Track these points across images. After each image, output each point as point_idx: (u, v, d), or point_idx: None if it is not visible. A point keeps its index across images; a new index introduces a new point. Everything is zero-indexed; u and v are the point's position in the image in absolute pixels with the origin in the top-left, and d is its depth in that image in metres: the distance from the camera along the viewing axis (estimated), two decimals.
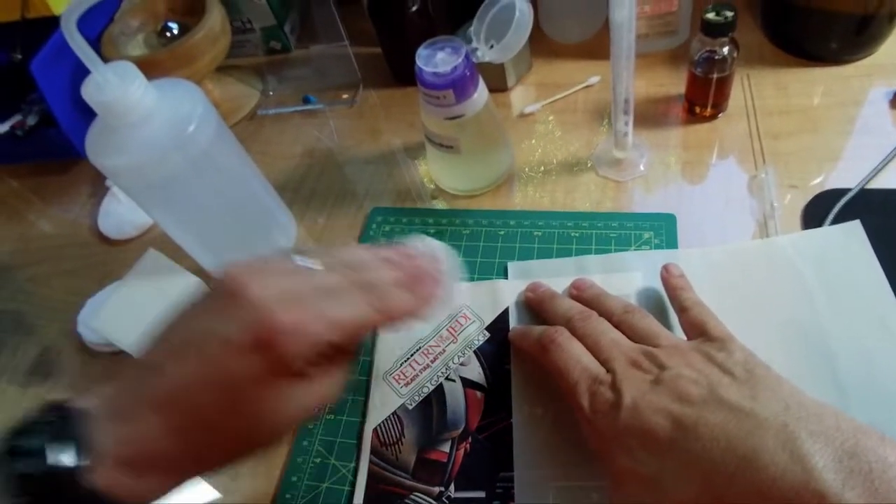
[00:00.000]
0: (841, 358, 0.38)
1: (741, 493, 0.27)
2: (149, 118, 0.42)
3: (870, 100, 0.53)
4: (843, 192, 0.47)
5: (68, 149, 0.64)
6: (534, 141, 0.58)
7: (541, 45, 0.66)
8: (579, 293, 0.43)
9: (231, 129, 0.50)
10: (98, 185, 0.65)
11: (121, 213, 0.60)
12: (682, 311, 0.38)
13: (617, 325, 0.38)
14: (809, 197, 0.48)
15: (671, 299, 0.40)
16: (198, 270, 0.52)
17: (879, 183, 0.47)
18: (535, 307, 0.44)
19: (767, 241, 0.46)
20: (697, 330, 0.36)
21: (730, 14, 0.48)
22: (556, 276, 0.46)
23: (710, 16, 0.49)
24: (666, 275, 0.41)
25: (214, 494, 0.43)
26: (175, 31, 0.64)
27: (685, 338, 0.38)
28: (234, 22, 0.70)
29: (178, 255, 0.51)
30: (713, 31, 0.49)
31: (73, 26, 0.36)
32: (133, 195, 0.46)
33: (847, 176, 0.48)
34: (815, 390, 0.30)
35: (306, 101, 0.67)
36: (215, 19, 0.62)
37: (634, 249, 0.48)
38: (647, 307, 0.43)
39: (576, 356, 0.36)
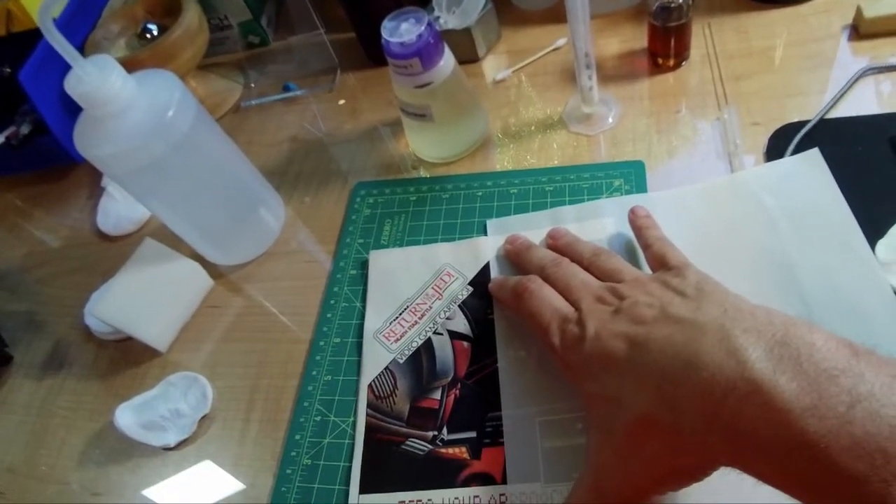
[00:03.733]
0: (806, 281, 0.40)
1: (688, 395, 0.29)
2: (129, 107, 0.44)
3: (827, 35, 0.55)
4: (802, 124, 0.48)
5: (62, 154, 0.66)
6: (507, 106, 0.60)
7: (509, 14, 0.68)
8: (554, 241, 0.45)
9: (218, 123, 0.52)
10: (94, 186, 0.67)
11: (118, 211, 0.63)
12: (645, 248, 0.41)
13: (587, 268, 0.40)
14: (771, 132, 0.49)
15: (638, 238, 0.42)
16: (195, 257, 0.55)
17: (838, 113, 0.49)
18: (513, 259, 0.46)
19: (731, 177, 0.47)
20: (659, 262, 0.38)
21: None
22: (534, 228, 0.48)
23: None
24: (632, 216, 0.43)
25: (223, 459, 0.45)
26: (155, 33, 0.67)
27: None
28: (212, 20, 0.73)
29: (175, 243, 0.54)
30: None
31: (49, 23, 0.39)
32: (124, 184, 0.48)
33: (807, 109, 0.50)
34: (782, 308, 0.32)
35: (286, 88, 0.70)
36: (192, 17, 0.64)
37: (606, 197, 0.50)
38: (618, 250, 0.45)
39: (547, 300, 0.38)
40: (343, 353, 0.47)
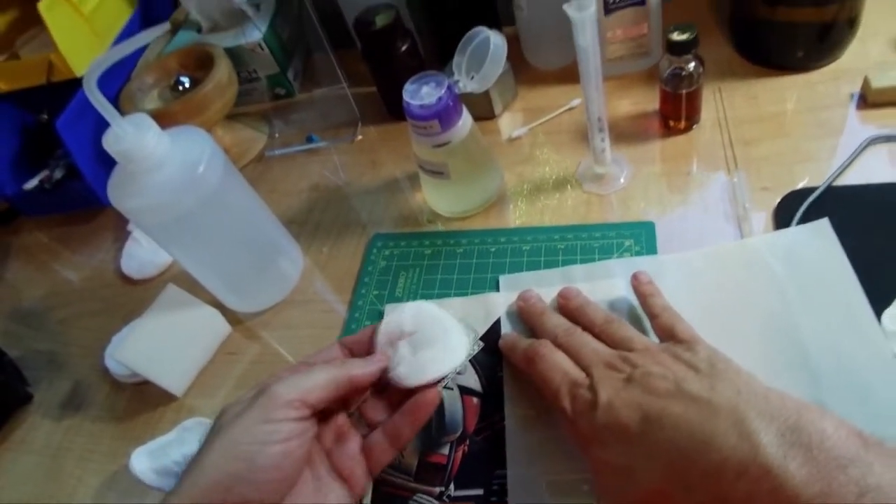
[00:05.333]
0: (812, 350, 0.41)
1: (700, 474, 0.30)
2: (163, 163, 0.46)
3: (836, 103, 0.56)
4: (811, 190, 0.49)
5: (92, 199, 0.69)
6: (522, 163, 0.62)
7: (525, 73, 0.70)
8: (566, 302, 0.46)
9: (241, 171, 0.54)
10: (120, 230, 0.70)
11: (142, 255, 0.65)
12: (652, 317, 0.41)
13: (598, 336, 0.41)
14: (779, 197, 0.50)
15: (642, 305, 0.43)
16: (215, 303, 0.57)
17: (846, 180, 0.50)
18: (526, 319, 0.47)
19: (741, 243, 0.48)
20: (667, 333, 0.39)
21: (691, 33, 0.52)
22: (545, 286, 0.49)
23: (674, 36, 0.53)
24: (636, 283, 0.44)
25: None
26: (187, 85, 0.70)
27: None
28: (241, 73, 0.76)
29: (196, 290, 0.55)
30: (677, 49, 0.53)
31: (93, 85, 0.41)
32: (152, 234, 0.50)
33: (816, 176, 0.51)
34: (789, 381, 0.33)
35: (309, 140, 0.72)
36: (223, 72, 0.67)
37: (617, 257, 0.51)
38: (626, 310, 0.46)
39: (558, 365, 0.39)
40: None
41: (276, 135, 0.75)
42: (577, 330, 0.42)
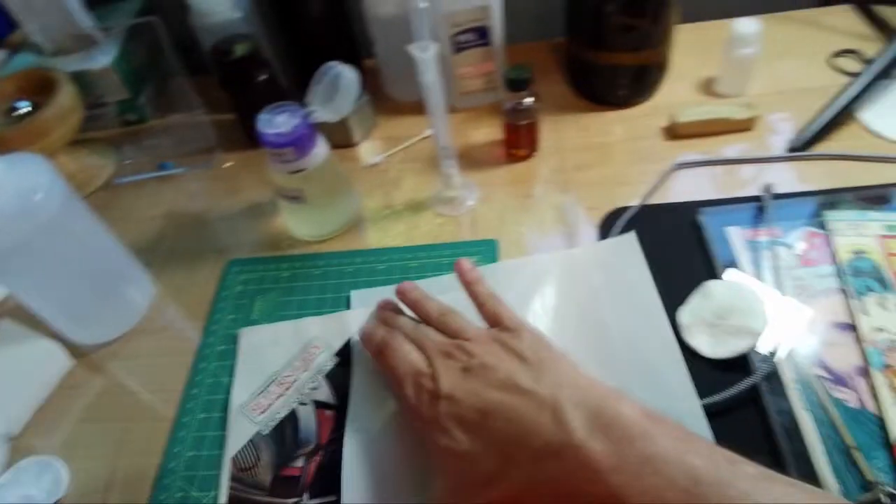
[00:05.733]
0: (618, 343, 0.47)
1: (527, 459, 0.34)
2: None
3: (650, 134, 0.64)
4: (628, 209, 0.56)
5: None
6: (380, 188, 0.65)
7: (385, 104, 0.74)
8: (403, 296, 0.47)
9: (87, 199, 0.52)
10: None
11: None
12: (479, 305, 0.44)
13: (436, 326, 0.44)
14: (603, 215, 0.57)
15: (468, 294, 0.45)
16: (57, 335, 0.53)
17: (656, 199, 0.57)
18: (380, 318, 0.47)
19: (566, 252, 0.54)
20: (494, 320, 0.43)
21: (526, 72, 0.58)
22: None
23: (510, 74, 0.58)
24: (459, 271, 0.46)
25: None
26: (26, 110, 0.66)
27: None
28: (88, 98, 0.73)
29: (36, 323, 0.52)
30: (514, 86, 0.59)
31: None
32: None
33: (632, 196, 0.58)
34: (599, 369, 0.38)
35: (162, 167, 0.71)
36: (66, 97, 0.65)
37: None
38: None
39: (405, 355, 0.42)
40: (208, 428, 0.48)
41: (126, 162, 0.73)
42: (421, 325, 0.45)
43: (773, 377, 0.43)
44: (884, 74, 0.62)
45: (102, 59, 0.71)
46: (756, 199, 0.54)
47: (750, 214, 0.53)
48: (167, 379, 0.52)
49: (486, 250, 0.56)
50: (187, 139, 0.74)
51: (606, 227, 0.55)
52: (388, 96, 0.75)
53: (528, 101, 0.60)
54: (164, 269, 0.61)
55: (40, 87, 0.67)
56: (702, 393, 0.43)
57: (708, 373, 0.44)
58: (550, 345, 0.40)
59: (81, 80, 0.71)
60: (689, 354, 0.45)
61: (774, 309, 0.46)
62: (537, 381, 0.36)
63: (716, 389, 0.43)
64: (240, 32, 0.67)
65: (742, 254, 0.50)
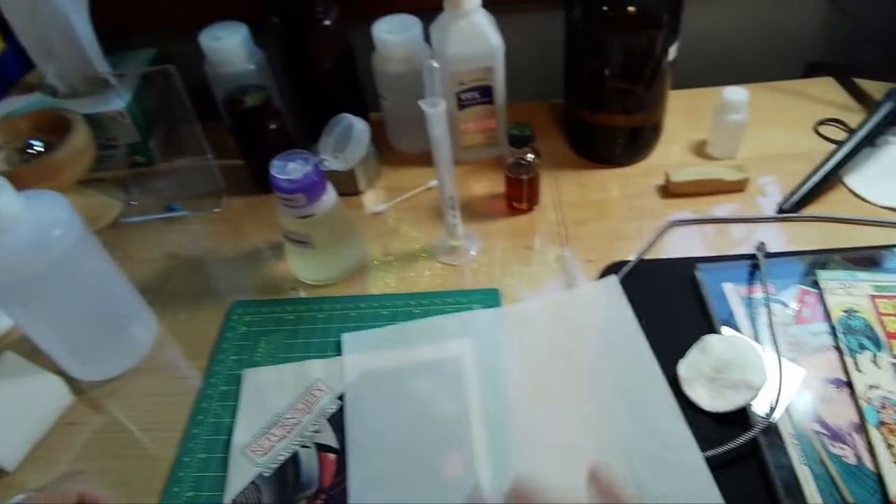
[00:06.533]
0: (606, 382, 0.49)
1: None
2: (14, 223, 0.45)
3: (645, 192, 0.67)
4: (626, 262, 0.58)
5: None
6: (383, 236, 0.66)
7: (389, 155, 0.76)
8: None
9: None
10: None
11: None
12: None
13: None
14: (601, 268, 0.59)
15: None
16: (58, 370, 0.53)
17: (652, 255, 0.60)
18: None
19: (553, 299, 0.56)
20: None
21: (527, 130, 0.61)
22: (385, 348, 0.53)
23: (513, 131, 0.61)
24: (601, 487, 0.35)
25: None
26: (40, 149, 0.68)
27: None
28: (99, 139, 0.74)
29: (38, 357, 0.52)
30: (516, 142, 0.61)
31: None
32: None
33: (629, 251, 0.60)
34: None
35: (169, 209, 0.72)
36: (80, 138, 0.66)
37: None
38: (485, 370, 0.51)
39: None
40: (208, 468, 0.47)
41: (134, 203, 0.74)
42: None
43: (772, 432, 0.44)
44: (867, 142, 0.65)
45: (116, 102, 0.73)
46: (750, 257, 0.56)
47: (745, 272, 0.55)
48: (168, 418, 0.52)
49: (488, 299, 0.57)
50: (194, 183, 0.75)
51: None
52: (392, 148, 0.78)
53: (530, 156, 0.62)
54: (167, 308, 0.61)
55: (54, 127, 0.68)
56: (702, 446, 0.43)
57: (708, 426, 0.45)
58: None
59: (94, 121, 0.72)
60: (689, 407, 0.46)
61: (772, 364, 0.47)
62: None
63: (716, 443, 0.43)
64: (253, 83, 0.70)
65: (738, 310, 0.52)
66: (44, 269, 0.46)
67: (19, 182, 0.62)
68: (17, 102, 0.74)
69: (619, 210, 0.66)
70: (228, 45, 0.71)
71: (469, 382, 0.50)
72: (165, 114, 0.81)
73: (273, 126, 0.69)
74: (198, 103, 0.76)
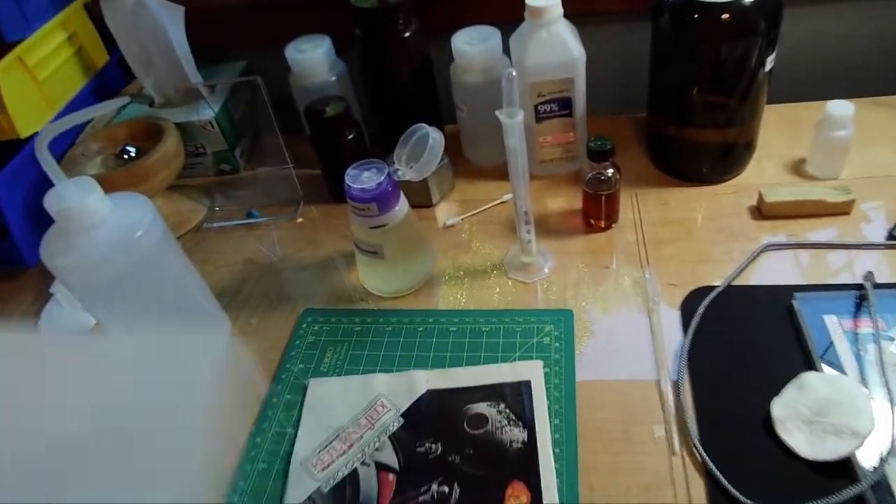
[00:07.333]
0: None
1: None
2: (101, 224, 0.47)
3: (735, 212, 0.62)
4: (712, 288, 0.54)
5: (16, 258, 0.68)
6: (455, 249, 0.65)
7: (463, 167, 0.75)
8: None
9: (178, 241, 0.55)
10: (41, 292, 0.68)
11: (63, 317, 0.63)
12: None
13: None
14: (685, 293, 0.55)
15: None
16: None
17: (742, 280, 0.55)
18: None
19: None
20: None
21: (608, 143, 0.58)
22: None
23: (593, 145, 0.58)
24: None
25: None
26: (133, 154, 0.71)
27: None
28: (189, 147, 0.78)
29: None
30: (596, 157, 0.59)
31: (44, 146, 0.43)
32: (79, 294, 0.50)
33: (715, 275, 0.56)
34: None
35: (250, 215, 0.74)
36: (171, 144, 0.69)
37: (538, 340, 0.53)
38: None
39: None
40: (268, 479, 0.47)
41: (217, 208, 0.77)
42: None
43: (882, 488, 0.39)
44: None
45: (207, 112, 0.76)
46: (856, 287, 0.51)
47: (850, 303, 0.50)
48: (232, 424, 0.52)
49: (562, 322, 0.54)
50: (275, 191, 0.77)
51: (690, 306, 0.53)
52: (467, 161, 0.77)
53: (609, 171, 0.60)
54: (241, 313, 0.62)
55: (148, 135, 0.72)
56: (798, 498, 0.39)
57: (804, 475, 0.41)
58: None
59: (185, 130, 0.76)
60: (784, 452, 0.42)
61: (881, 409, 0.42)
62: None
63: (813, 495, 0.39)
64: (333, 94, 0.71)
65: (842, 345, 0.47)
66: (126, 269, 0.48)
67: (112, 185, 0.65)
68: (115, 111, 0.78)
69: (705, 231, 0.61)
70: (312, 57, 0.73)
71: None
72: (251, 124, 0.84)
73: (351, 136, 0.69)
74: (281, 114, 0.78)
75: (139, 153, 0.71)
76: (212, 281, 0.61)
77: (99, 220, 0.47)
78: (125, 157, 0.71)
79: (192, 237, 0.73)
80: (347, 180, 0.54)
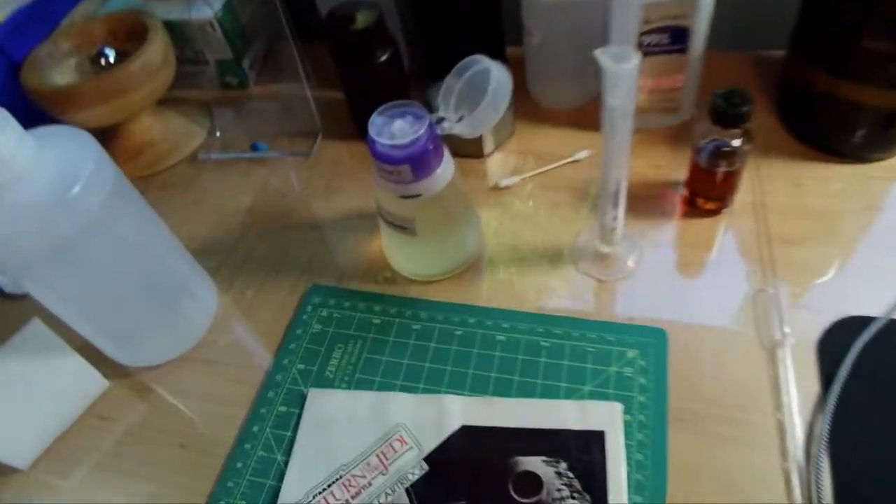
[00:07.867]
0: None
1: None
2: (24, 177, 0.33)
3: None
4: (867, 320, 0.39)
5: None
6: (508, 221, 0.50)
7: (527, 107, 0.58)
8: None
9: (168, 171, 0.41)
10: None
11: None
12: None
13: None
14: (827, 323, 0.40)
15: None
16: (82, 347, 0.43)
17: None
18: None
19: None
20: None
21: (745, 103, 0.41)
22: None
23: (722, 102, 0.41)
24: None
25: None
26: (111, 59, 0.56)
27: None
28: (186, 53, 0.63)
29: (70, 330, 0.42)
30: (724, 120, 0.42)
31: None
32: (5, 270, 0.37)
33: (874, 300, 0.40)
34: None
35: (255, 148, 0.59)
36: (156, 49, 0.54)
37: (616, 370, 0.39)
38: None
39: None
40: None
41: (217, 133, 0.62)
42: None
43: None
44: None
45: (206, 9, 0.59)
46: None
47: None
48: (211, 436, 0.41)
49: (651, 346, 0.40)
50: (288, 117, 0.62)
51: (834, 346, 0.38)
52: (532, 99, 0.60)
53: (737, 141, 0.43)
54: (235, 279, 0.49)
55: (131, 34, 0.57)
56: None
57: None
58: None
59: (180, 31, 0.60)
60: None
61: None
62: None
63: None
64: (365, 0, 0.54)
65: None
66: (65, 236, 0.35)
67: (81, 99, 0.51)
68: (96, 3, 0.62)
69: (854, 230, 0.45)
70: None
71: None
72: (262, 29, 0.68)
73: (384, 56, 0.53)
74: (303, 19, 0.61)
75: (119, 57, 0.56)
76: (202, 231, 0.48)
77: (18, 171, 0.33)
78: (101, 61, 0.56)
79: (183, 169, 0.59)
80: (371, 131, 0.39)
